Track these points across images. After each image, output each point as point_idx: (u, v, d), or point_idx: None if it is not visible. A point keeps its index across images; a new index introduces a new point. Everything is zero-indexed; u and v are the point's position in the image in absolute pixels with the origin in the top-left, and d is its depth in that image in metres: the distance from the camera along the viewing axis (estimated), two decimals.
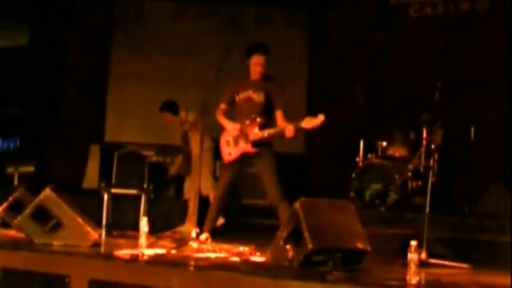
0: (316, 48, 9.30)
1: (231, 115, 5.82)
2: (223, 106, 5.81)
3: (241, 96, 5.72)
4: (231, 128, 5.70)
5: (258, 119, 5.64)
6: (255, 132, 5.62)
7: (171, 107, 7.14)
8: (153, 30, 9.42)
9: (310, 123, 5.39)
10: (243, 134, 5.64)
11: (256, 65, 5.67)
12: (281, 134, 5.55)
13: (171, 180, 8.41)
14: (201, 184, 6.45)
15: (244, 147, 5.64)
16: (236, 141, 5.68)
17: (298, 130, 5.52)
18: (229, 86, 5.83)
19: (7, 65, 11.03)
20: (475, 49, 8.19)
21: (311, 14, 9.38)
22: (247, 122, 5.67)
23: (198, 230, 5.79)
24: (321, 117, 5.36)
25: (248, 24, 9.18)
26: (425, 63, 8.52)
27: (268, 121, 5.67)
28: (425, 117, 7.16)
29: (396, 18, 8.88)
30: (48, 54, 9.57)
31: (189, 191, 6.90)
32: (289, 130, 5.47)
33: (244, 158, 5.69)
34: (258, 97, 5.68)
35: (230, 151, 5.69)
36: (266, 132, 5.59)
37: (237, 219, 7.00)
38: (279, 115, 5.65)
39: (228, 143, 5.73)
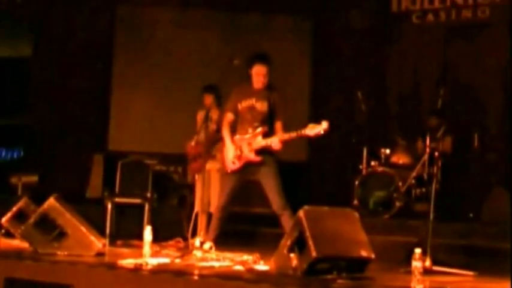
0: (319, 56, 9.31)
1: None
2: (230, 116, 5.80)
3: (244, 104, 5.73)
4: (230, 151, 5.70)
5: (261, 128, 5.65)
6: (258, 141, 5.63)
7: (216, 91, 6.87)
8: (155, 39, 9.42)
9: (313, 130, 5.40)
10: (246, 144, 5.65)
11: (257, 75, 5.69)
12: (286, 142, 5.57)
13: (176, 188, 8.42)
14: (211, 201, 6.52)
15: (248, 156, 5.64)
16: (240, 150, 5.69)
17: (301, 137, 5.54)
18: (233, 94, 5.84)
19: (11, 75, 11.08)
20: (477, 56, 8.20)
21: (313, 22, 9.39)
22: (250, 130, 5.68)
23: (202, 239, 5.79)
24: (324, 125, 5.37)
25: (251, 33, 9.19)
26: (428, 70, 8.53)
27: (271, 130, 5.68)
28: (433, 122, 7.16)
29: (398, 26, 8.89)
30: (52, 65, 9.59)
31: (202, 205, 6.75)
32: (275, 143, 5.51)
33: (247, 166, 5.70)
34: (261, 106, 5.69)
35: (234, 160, 5.69)
36: (270, 141, 5.59)
37: (240, 227, 6.99)
38: (278, 125, 5.67)
39: (233, 153, 5.73)
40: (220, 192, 5.88)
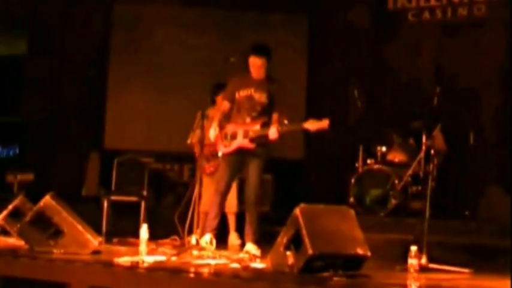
0: (315, 54, 9.31)
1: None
2: (226, 105, 5.82)
3: (242, 94, 5.72)
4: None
5: (261, 119, 5.65)
6: (255, 129, 5.63)
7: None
8: (151, 37, 9.41)
9: (314, 125, 5.41)
10: (242, 131, 5.65)
11: (253, 66, 5.70)
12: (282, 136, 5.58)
13: (172, 186, 8.41)
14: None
15: (242, 142, 5.65)
16: (234, 135, 5.69)
17: (299, 130, 5.56)
18: (231, 82, 5.84)
19: (7, 72, 11.05)
20: (473, 54, 8.21)
21: (310, 20, 9.39)
22: (248, 119, 5.68)
23: (198, 237, 5.78)
24: (325, 122, 5.38)
25: (248, 31, 9.18)
26: (424, 68, 8.53)
27: (268, 121, 5.69)
28: (416, 125, 7.22)
29: (394, 24, 8.90)
30: (47, 62, 9.57)
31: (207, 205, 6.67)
32: (273, 132, 5.51)
33: (239, 153, 5.69)
34: (259, 97, 5.68)
35: (226, 144, 5.70)
36: (267, 129, 5.59)
37: (237, 226, 6.99)
38: (275, 116, 5.68)
39: (225, 136, 5.75)
40: (219, 176, 5.85)
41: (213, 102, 6.67)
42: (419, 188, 7.28)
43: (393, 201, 7.12)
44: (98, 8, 9.56)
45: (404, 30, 8.83)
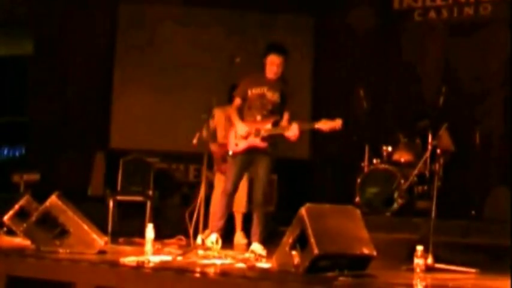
0: (321, 54, 9.31)
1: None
2: (238, 101, 5.81)
3: (254, 92, 5.72)
4: (240, 128, 5.68)
5: (272, 117, 5.64)
6: (267, 128, 5.63)
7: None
8: (157, 37, 9.43)
9: (326, 125, 5.42)
10: (253, 129, 5.64)
11: (271, 64, 5.69)
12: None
13: (178, 186, 8.42)
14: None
15: (253, 140, 5.63)
16: (247, 133, 5.69)
17: (312, 130, 5.56)
18: (244, 81, 5.84)
19: (13, 73, 11.09)
20: (479, 53, 8.19)
21: (315, 20, 9.38)
22: (259, 117, 5.67)
23: (204, 237, 5.78)
24: (338, 122, 5.39)
25: (253, 31, 9.19)
26: (430, 67, 8.52)
27: (280, 120, 5.69)
28: (422, 124, 7.21)
29: (401, 23, 8.89)
30: (53, 63, 9.60)
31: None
32: (293, 129, 5.48)
33: (249, 152, 5.68)
34: (272, 95, 5.68)
35: (237, 142, 5.69)
36: (284, 128, 5.59)
37: (242, 225, 6.99)
38: (286, 116, 5.68)
39: (236, 135, 5.74)
40: (226, 177, 5.86)
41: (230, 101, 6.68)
42: (426, 187, 7.27)
43: (399, 201, 7.11)
44: (103, 8, 9.57)
45: (410, 29, 8.82)
